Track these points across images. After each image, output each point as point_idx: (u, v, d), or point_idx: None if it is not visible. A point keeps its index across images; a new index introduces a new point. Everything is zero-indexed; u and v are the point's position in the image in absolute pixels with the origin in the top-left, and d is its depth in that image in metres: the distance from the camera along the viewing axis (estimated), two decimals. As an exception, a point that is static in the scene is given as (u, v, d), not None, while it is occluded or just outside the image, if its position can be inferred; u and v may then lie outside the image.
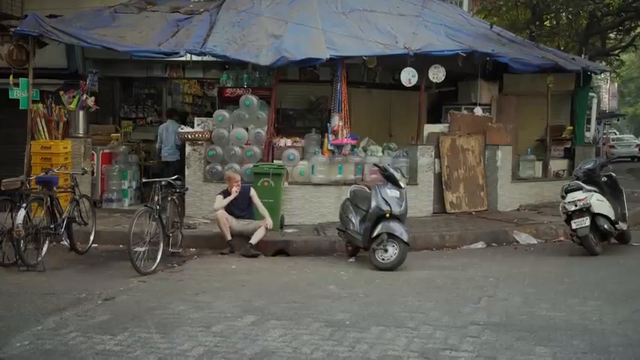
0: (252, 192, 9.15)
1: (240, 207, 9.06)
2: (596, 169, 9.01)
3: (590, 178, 8.82)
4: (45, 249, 7.88)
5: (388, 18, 12.38)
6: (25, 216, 7.46)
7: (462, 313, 5.57)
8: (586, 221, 8.26)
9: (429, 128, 12.00)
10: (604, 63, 22.80)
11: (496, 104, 13.23)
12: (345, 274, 7.61)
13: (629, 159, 33.69)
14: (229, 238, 8.81)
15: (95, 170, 11.39)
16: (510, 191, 12.20)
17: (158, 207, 7.94)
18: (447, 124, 12.20)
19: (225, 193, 9.07)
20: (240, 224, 8.95)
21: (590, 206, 8.30)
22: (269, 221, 8.91)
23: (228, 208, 8.94)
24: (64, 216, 8.19)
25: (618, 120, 46.72)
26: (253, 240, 8.78)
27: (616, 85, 41.50)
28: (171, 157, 12.32)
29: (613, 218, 8.55)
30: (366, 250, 8.11)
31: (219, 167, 10.91)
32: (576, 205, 8.36)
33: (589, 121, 19.55)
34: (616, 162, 24.69)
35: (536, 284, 6.79)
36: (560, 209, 8.72)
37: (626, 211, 9.03)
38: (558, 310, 5.64)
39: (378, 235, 7.80)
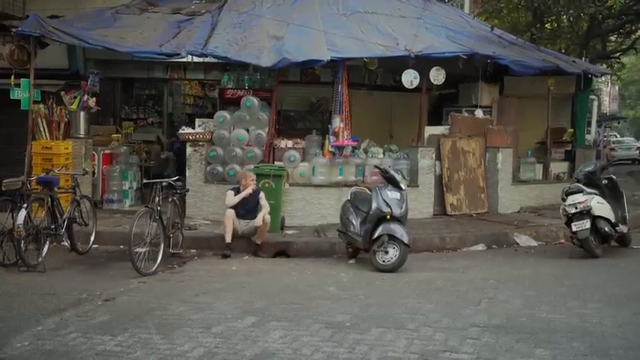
0: (262, 194, 9.16)
1: (247, 208, 9.04)
2: (596, 171, 9.01)
3: (591, 181, 8.81)
4: (45, 249, 7.88)
5: (389, 20, 12.40)
6: (25, 216, 7.46)
7: (463, 315, 5.58)
8: (586, 224, 8.26)
9: (430, 130, 12.00)
10: (605, 66, 22.78)
11: (497, 106, 13.23)
12: (345, 276, 7.61)
13: (630, 162, 33.60)
14: (229, 240, 8.78)
15: (96, 171, 11.39)
16: (511, 193, 12.21)
17: (159, 208, 7.95)
18: (447, 126, 12.19)
19: (236, 191, 9.08)
20: (241, 225, 8.95)
21: (591, 209, 8.31)
22: (259, 217, 8.81)
23: (234, 206, 8.95)
24: (64, 216, 8.19)
25: (619, 123, 46.71)
26: (259, 240, 8.89)
27: (617, 87, 41.52)
28: None
29: (613, 221, 8.55)
30: (367, 252, 8.11)
31: (219, 168, 10.92)
32: (577, 208, 8.36)
33: (589, 124, 19.50)
34: (616, 164, 24.73)
35: (536, 286, 6.80)
36: (561, 212, 8.72)
37: (626, 214, 9.03)
38: (558, 313, 5.64)
39: (379, 237, 7.80)
